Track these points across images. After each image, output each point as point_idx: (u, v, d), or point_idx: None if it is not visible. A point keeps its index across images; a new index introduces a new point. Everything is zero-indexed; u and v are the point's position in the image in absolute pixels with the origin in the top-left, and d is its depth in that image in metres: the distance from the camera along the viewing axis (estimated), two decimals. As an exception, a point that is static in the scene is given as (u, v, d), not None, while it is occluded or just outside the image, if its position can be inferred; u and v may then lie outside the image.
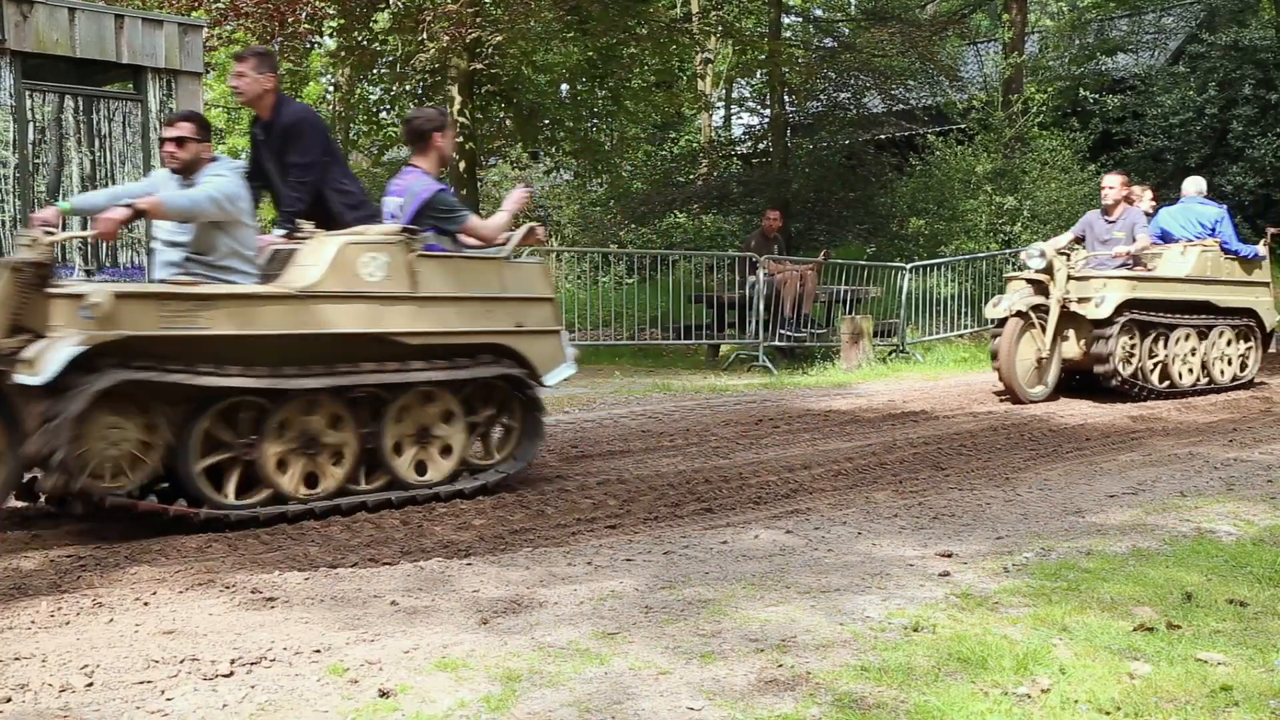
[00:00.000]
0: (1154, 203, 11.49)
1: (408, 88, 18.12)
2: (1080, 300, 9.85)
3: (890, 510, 5.70)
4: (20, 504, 5.59)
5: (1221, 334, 10.77)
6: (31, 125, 9.96)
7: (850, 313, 13.93)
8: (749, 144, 24.50)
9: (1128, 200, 10.73)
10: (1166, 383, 10.32)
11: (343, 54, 17.23)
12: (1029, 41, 22.08)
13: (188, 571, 4.61)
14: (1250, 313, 11.04)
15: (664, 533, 5.33)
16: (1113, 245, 10.26)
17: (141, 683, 3.26)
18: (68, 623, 3.87)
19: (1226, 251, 10.80)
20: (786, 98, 21.31)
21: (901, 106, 21.42)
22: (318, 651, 3.51)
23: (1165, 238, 10.85)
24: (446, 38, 14.35)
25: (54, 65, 10.21)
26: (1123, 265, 10.18)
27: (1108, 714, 3.03)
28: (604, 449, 7.76)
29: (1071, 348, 10.06)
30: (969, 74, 22.25)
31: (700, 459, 7.36)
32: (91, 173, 10.31)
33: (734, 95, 27.55)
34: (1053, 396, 10.10)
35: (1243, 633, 3.69)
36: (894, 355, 14.05)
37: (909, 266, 14.91)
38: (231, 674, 3.32)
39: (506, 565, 4.61)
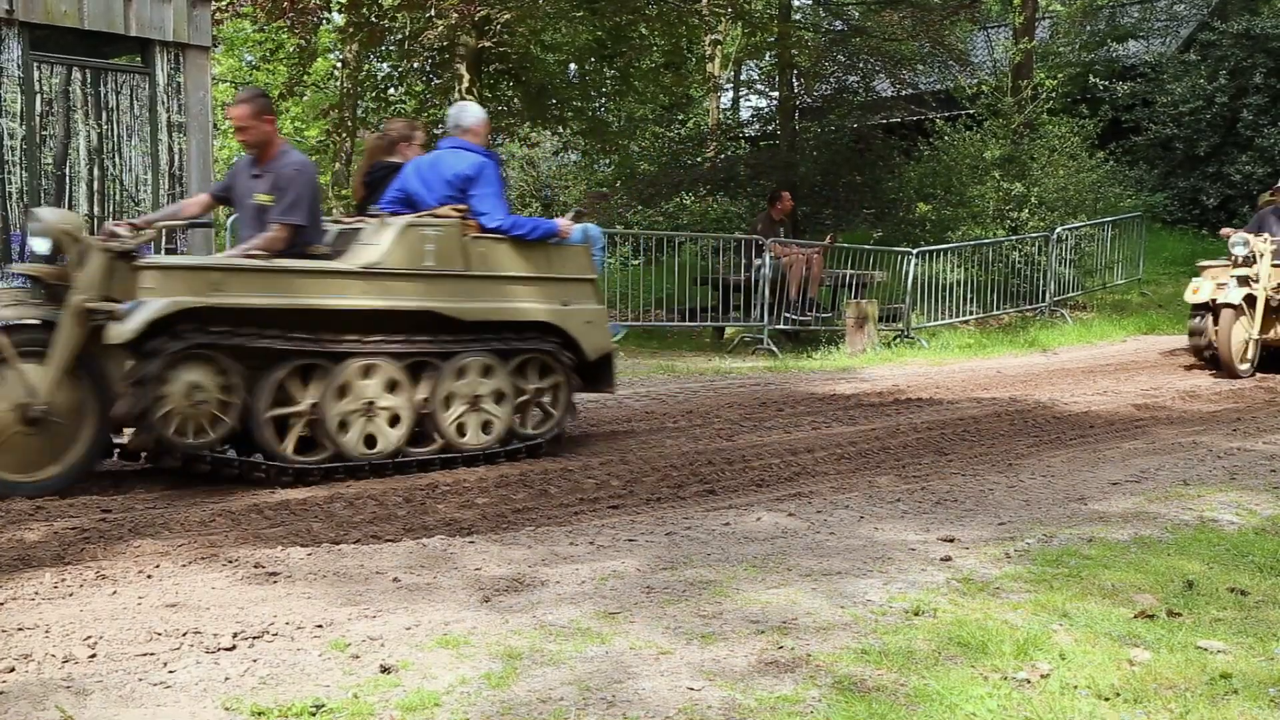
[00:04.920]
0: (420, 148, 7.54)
1: (416, 65, 18.06)
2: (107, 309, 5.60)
3: (893, 494, 5.70)
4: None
5: (474, 367, 6.51)
6: (39, 97, 9.94)
7: (856, 297, 13.92)
8: (757, 126, 24.44)
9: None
10: (321, 453, 6.04)
11: (351, 30, 17.17)
12: (1040, 27, 21.99)
13: (191, 545, 4.62)
14: (551, 331, 6.85)
15: (666, 514, 5.34)
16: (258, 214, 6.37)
17: (144, 655, 3.28)
18: (71, 594, 3.89)
19: (486, 228, 6.59)
20: (795, 80, 21.24)
21: (910, 91, 21.34)
22: (320, 627, 3.52)
23: (413, 204, 6.72)
24: (455, 15, 14.30)
25: (61, 36, 10.19)
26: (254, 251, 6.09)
27: (1107, 700, 3.03)
28: (608, 429, 7.77)
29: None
30: (979, 59, 22.17)
31: (704, 441, 7.36)
32: (99, 145, 10.30)
33: (742, 77, 27.45)
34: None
35: (1243, 621, 3.69)
36: (899, 340, 14.04)
37: (915, 251, 14.89)
38: (233, 647, 3.33)
39: (509, 544, 4.62)
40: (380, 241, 6.29)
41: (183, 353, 5.60)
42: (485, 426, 6.59)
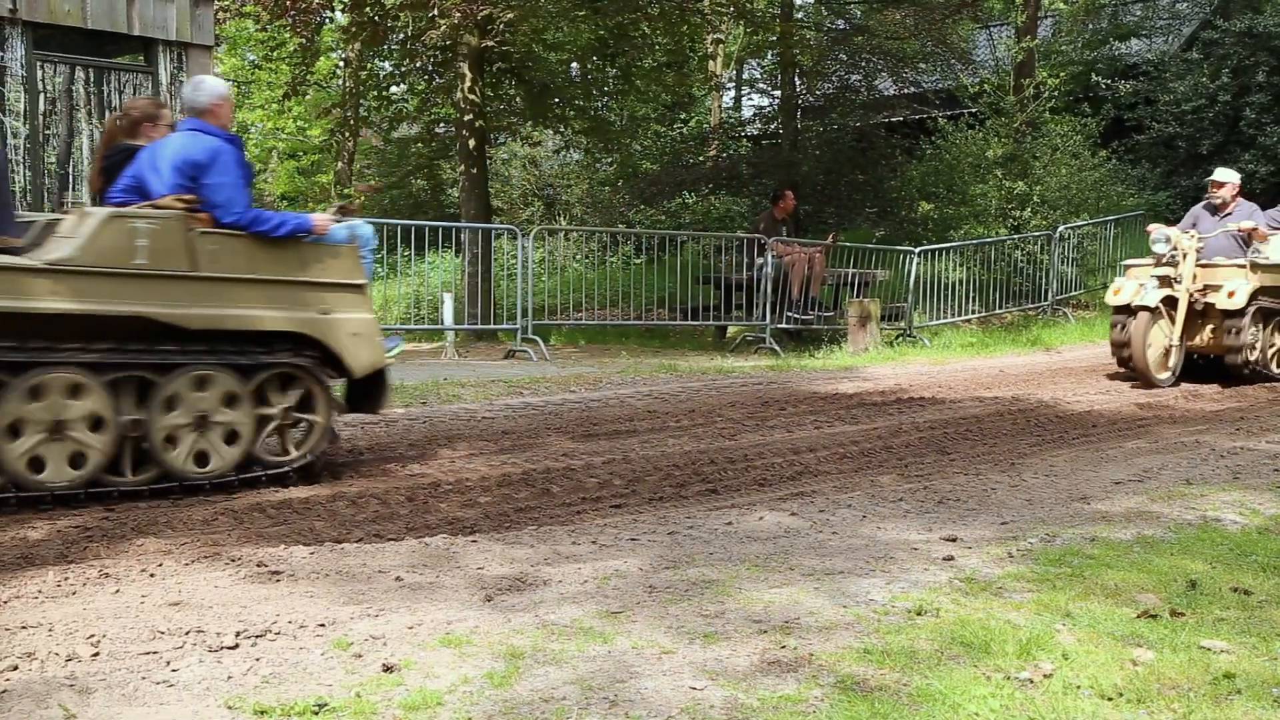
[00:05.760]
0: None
1: (418, 64, 18.06)
2: None
3: (895, 494, 5.70)
4: None
5: (202, 383, 5.67)
6: (42, 96, 9.95)
7: (858, 296, 13.92)
8: (759, 125, 24.44)
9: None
10: None
11: (354, 29, 17.17)
12: (1042, 25, 21.97)
13: (194, 544, 4.63)
14: (308, 343, 5.97)
15: (669, 513, 5.34)
16: None
17: (147, 653, 3.28)
18: (74, 593, 3.89)
19: (221, 222, 5.72)
20: (797, 79, 21.24)
21: (913, 89, 21.34)
22: (322, 626, 3.52)
23: (144, 193, 5.86)
24: (458, 14, 14.30)
25: (65, 36, 10.20)
26: None
27: (1110, 700, 3.03)
28: (610, 429, 7.77)
29: None
30: (981, 57, 22.16)
31: (706, 440, 7.36)
32: (101, 145, 10.30)
33: (745, 76, 27.44)
34: None
35: (1246, 621, 3.69)
36: (901, 339, 14.05)
37: (917, 250, 14.89)
38: (236, 646, 3.34)
39: (511, 543, 4.62)
40: (77, 235, 5.37)
41: None
42: (214, 451, 5.72)
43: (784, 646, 3.37)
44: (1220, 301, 9.96)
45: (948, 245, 15.80)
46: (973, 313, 15.66)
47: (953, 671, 3.19)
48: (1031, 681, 3.14)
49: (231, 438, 5.77)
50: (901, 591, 3.95)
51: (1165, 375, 9.99)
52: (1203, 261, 10.08)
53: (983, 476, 6.19)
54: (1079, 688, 3.10)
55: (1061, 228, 16.17)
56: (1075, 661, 3.28)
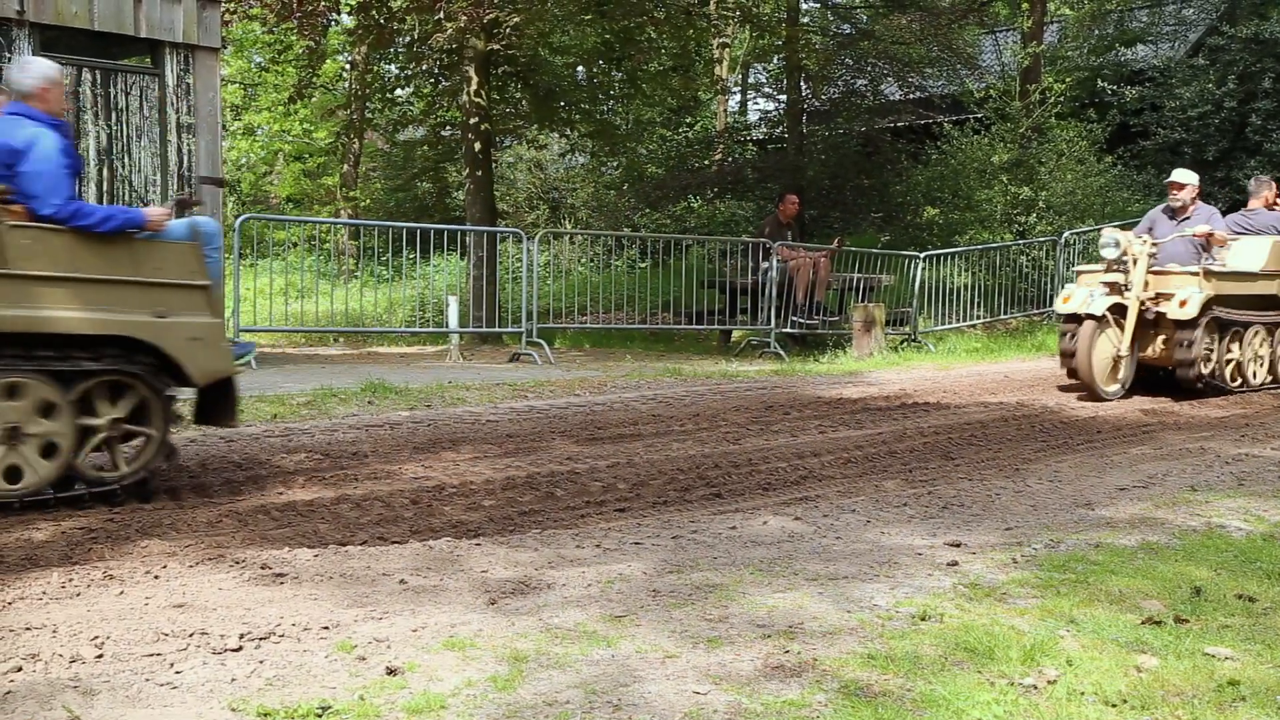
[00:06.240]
0: None
1: (424, 67, 18.10)
2: None
3: (899, 499, 5.69)
4: None
5: (12, 392, 5.14)
6: (48, 98, 9.98)
7: (863, 300, 13.92)
8: (764, 129, 24.46)
9: None
10: None
11: (360, 32, 17.22)
12: (1048, 31, 21.97)
13: (198, 546, 4.63)
14: (141, 347, 5.42)
15: (673, 517, 5.34)
16: None
17: (151, 655, 3.28)
18: (78, 594, 3.90)
19: (37, 215, 5.22)
20: (803, 84, 21.26)
21: (919, 94, 21.35)
22: (326, 628, 3.52)
23: None
24: (464, 18, 14.32)
25: (72, 38, 10.22)
26: None
27: (1114, 706, 3.03)
28: (614, 432, 7.77)
29: None
30: (987, 63, 22.17)
31: (710, 444, 7.36)
32: (108, 146, 10.32)
33: (750, 80, 27.47)
34: None
35: (1251, 628, 3.68)
36: (906, 344, 14.05)
37: (923, 255, 14.89)
38: (240, 649, 3.34)
39: (515, 546, 4.62)
40: None
41: None
42: (19, 468, 5.16)
43: (788, 651, 3.37)
44: (1171, 311, 9.38)
45: (953, 250, 15.80)
46: (978, 318, 15.65)
47: (956, 677, 3.19)
48: (1035, 688, 3.14)
49: (47, 452, 5.22)
50: (905, 597, 3.94)
51: (1114, 387, 9.53)
52: (1156, 268, 9.58)
53: (987, 482, 6.19)
54: (1083, 694, 3.10)
55: (1067, 233, 16.16)
56: (1079, 668, 3.28)
